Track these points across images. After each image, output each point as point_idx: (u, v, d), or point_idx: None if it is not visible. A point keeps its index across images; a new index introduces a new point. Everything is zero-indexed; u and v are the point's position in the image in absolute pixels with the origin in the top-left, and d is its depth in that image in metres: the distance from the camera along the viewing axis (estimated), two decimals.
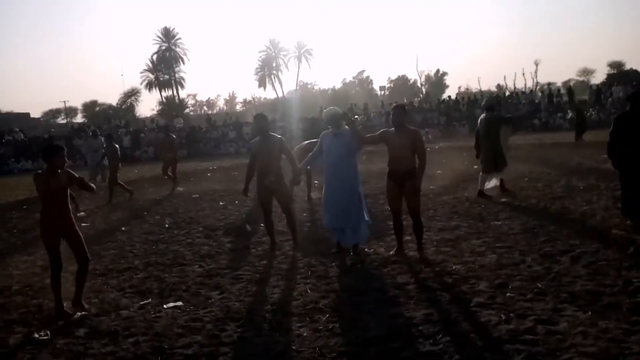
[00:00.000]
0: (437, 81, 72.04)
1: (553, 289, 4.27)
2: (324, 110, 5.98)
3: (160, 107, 62.01)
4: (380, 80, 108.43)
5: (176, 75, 61.49)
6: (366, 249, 5.83)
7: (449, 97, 35.10)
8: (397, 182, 5.45)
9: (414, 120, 26.60)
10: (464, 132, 26.20)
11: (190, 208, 9.74)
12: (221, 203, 10.17)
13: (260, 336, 3.81)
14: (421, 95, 61.16)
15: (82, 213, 9.84)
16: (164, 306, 4.53)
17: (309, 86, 78.93)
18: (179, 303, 4.57)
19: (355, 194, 5.72)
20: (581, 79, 68.05)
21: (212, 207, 9.66)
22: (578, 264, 4.85)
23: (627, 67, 56.08)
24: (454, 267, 5.02)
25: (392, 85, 78.13)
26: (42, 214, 4.49)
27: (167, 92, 61.28)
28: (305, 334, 3.75)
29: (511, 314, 3.86)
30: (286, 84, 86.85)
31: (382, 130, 5.76)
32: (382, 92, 75.23)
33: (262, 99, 74.84)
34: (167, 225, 8.19)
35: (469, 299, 4.20)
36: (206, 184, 13.62)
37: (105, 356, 3.65)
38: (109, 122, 33.43)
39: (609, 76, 52.58)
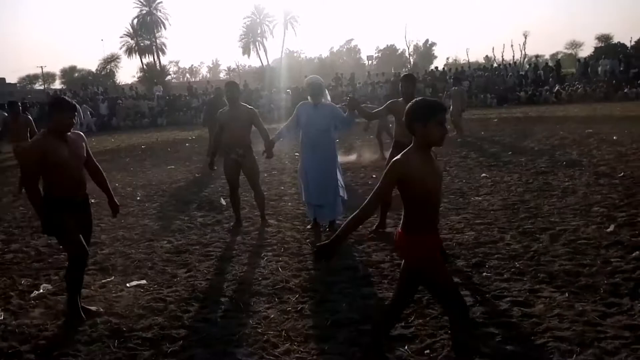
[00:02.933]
0: (426, 51, 71.34)
1: (531, 268, 4.15)
2: (305, 79, 5.65)
3: (140, 74, 60.60)
4: (368, 50, 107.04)
5: (157, 41, 59.72)
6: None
7: (436, 67, 34.62)
8: None
9: (433, 86, 26.35)
10: (447, 102, 25.90)
11: (164, 180, 9.44)
12: (197, 175, 9.89)
13: (225, 318, 3.62)
14: (409, 66, 60.55)
15: None
16: (127, 285, 4.31)
17: (295, 54, 77.59)
18: (143, 281, 4.35)
19: (334, 168, 5.51)
20: (569, 51, 67.90)
21: (187, 179, 9.38)
22: (557, 242, 4.73)
23: (615, 40, 55.90)
24: None
25: (380, 55, 77.13)
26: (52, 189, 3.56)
27: (148, 59, 59.73)
28: (272, 316, 3.57)
29: (487, 295, 3.72)
30: (272, 52, 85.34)
31: (390, 101, 5.41)
32: (370, 61, 74.30)
33: (246, 67, 73.53)
34: (138, 198, 7.91)
35: None
36: (183, 154, 13.25)
37: (58, 339, 3.44)
38: (85, 88, 32.39)
39: (597, 49, 52.46)
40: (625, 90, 23.53)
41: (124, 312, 3.76)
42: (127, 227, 6.24)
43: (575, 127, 13.30)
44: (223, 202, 7.18)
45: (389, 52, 76.33)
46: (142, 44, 59.41)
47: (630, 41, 49.89)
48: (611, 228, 4.99)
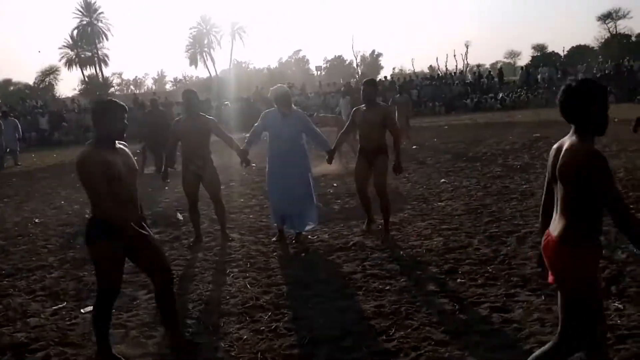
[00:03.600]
0: (373, 62, 72.71)
1: (504, 272, 4.13)
2: (272, 89, 5.43)
3: (82, 87, 58.31)
4: (316, 60, 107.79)
5: (99, 52, 57.76)
6: (309, 236, 5.48)
7: (385, 77, 35.24)
8: (367, 159, 5.37)
9: (383, 95, 26.55)
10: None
11: None
12: (149, 189, 9.43)
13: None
14: (357, 76, 61.41)
15: None
16: (82, 310, 3.95)
17: (244, 65, 77.07)
18: None
19: (305, 177, 5.35)
20: (508, 60, 71.04)
21: (140, 194, 8.90)
22: (525, 245, 4.76)
23: (550, 49, 59.02)
24: (401, 253, 4.78)
25: (328, 65, 77.94)
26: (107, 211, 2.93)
27: (90, 70, 57.60)
28: (245, 337, 3.34)
29: (464, 302, 3.66)
30: (220, 63, 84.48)
31: (352, 111, 5.58)
32: (319, 72, 74.88)
33: (194, 78, 72.31)
34: (87, 216, 7.39)
35: (419, 287, 3.97)
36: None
37: None
38: (23, 102, 30.64)
39: (534, 58, 55.17)
40: None
41: (80, 341, 3.42)
42: (76, 248, 5.79)
43: (523, 132, 13.77)
44: (180, 216, 6.85)
45: (337, 63, 77.23)
46: (82, 56, 57.28)
47: (563, 50, 53.03)
48: None
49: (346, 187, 8.28)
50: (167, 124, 10.19)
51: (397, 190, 7.82)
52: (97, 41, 57.01)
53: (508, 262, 4.34)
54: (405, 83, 30.69)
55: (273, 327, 3.44)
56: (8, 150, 15.10)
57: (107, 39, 57.85)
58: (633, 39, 53.52)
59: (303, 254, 4.95)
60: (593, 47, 54.81)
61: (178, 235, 6.00)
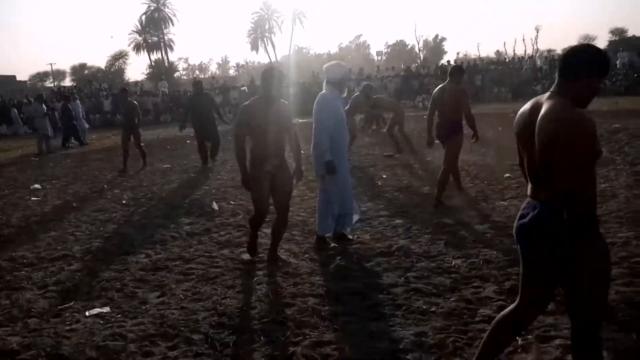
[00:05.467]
0: (436, 46, 70.22)
1: None
2: (325, 65, 4.75)
3: (149, 71, 60.20)
4: (377, 45, 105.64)
5: (165, 38, 59.37)
6: (348, 236, 4.86)
7: (448, 61, 33.57)
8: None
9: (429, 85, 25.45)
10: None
11: (156, 181, 8.69)
12: (192, 174, 9.15)
13: None
14: (419, 61, 59.44)
15: (37, 185, 8.83)
16: (87, 313, 3.57)
17: (304, 50, 76.82)
18: (105, 309, 3.60)
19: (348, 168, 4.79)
20: None
21: (180, 181, 8.62)
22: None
23: (630, 34, 54.45)
24: (453, 263, 4.06)
25: (389, 50, 76.20)
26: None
27: (156, 55, 59.35)
28: None
29: (529, 335, 2.92)
30: (280, 48, 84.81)
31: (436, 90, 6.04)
32: (380, 57, 73.35)
33: (255, 63, 72.92)
34: (124, 202, 7.17)
35: (472, 311, 3.26)
36: (182, 152, 12.50)
37: None
38: (90, 84, 31.82)
39: (611, 43, 51.06)
40: None
41: (72, 353, 3.01)
42: (104, 237, 5.50)
43: (600, 122, 12.31)
44: (215, 206, 6.42)
45: (399, 48, 75.25)
46: (150, 41, 59.13)
47: None
48: None
49: (396, 180, 7.57)
50: (209, 109, 9.84)
51: (453, 185, 7.03)
52: (163, 26, 58.64)
53: None
54: (469, 69, 29.15)
55: (289, 352, 2.87)
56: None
57: (172, 25, 59.41)
58: None
59: (339, 258, 4.34)
60: None
61: (209, 228, 5.56)
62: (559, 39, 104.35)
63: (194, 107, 9.92)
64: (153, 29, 59.01)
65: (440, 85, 6.08)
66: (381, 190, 6.92)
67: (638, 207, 5.25)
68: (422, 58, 62.59)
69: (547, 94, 2.10)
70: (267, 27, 62.22)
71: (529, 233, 2.14)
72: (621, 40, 52.38)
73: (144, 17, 58.40)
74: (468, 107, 5.90)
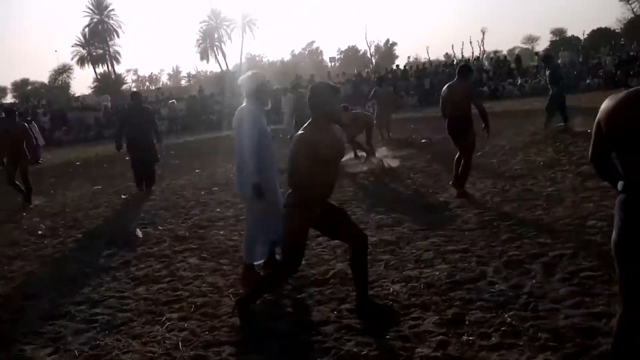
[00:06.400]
0: (387, 51, 71.13)
1: (527, 324, 2.99)
2: (244, 77, 4.21)
3: (95, 84, 58.11)
4: (330, 52, 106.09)
5: (110, 50, 57.44)
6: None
7: (397, 66, 33.74)
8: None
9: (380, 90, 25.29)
10: (412, 102, 25.06)
11: (82, 206, 7.94)
12: (124, 196, 8.46)
13: None
14: (371, 66, 59.83)
15: None
16: None
17: (257, 58, 76.10)
18: None
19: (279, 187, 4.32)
20: (526, 46, 68.59)
21: (109, 204, 7.91)
22: (554, 277, 3.61)
23: (569, 34, 56.83)
24: (391, 290, 3.67)
25: (342, 57, 76.54)
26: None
27: (102, 68, 57.36)
28: None
29: None
30: (232, 57, 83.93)
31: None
32: (332, 63, 73.54)
33: (208, 72, 71.63)
34: (40, 232, 6.45)
35: (410, 350, 2.85)
36: (117, 171, 11.59)
37: None
38: (27, 101, 30.16)
39: (553, 43, 53.10)
40: (587, 81, 23.20)
41: None
42: (7, 277, 4.81)
43: (542, 121, 12.42)
44: (139, 233, 5.82)
45: (351, 53, 75.71)
46: (94, 53, 57.12)
47: (584, 34, 50.81)
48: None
49: (340, 192, 7.18)
50: (148, 127, 8.48)
51: (397, 195, 6.71)
52: (108, 39, 56.70)
53: (533, 306, 3.20)
54: (418, 72, 29.38)
55: None
56: None
57: (118, 36, 57.56)
58: None
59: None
60: (615, 30, 52.40)
61: (129, 260, 4.97)
62: (504, 40, 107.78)
63: (129, 122, 8.54)
64: (97, 41, 57.01)
65: (448, 84, 6.44)
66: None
67: (585, 212, 5.04)
68: (374, 63, 63.15)
69: None
70: (216, 36, 61.28)
71: None
72: (561, 40, 54.58)
73: (87, 30, 56.36)
74: (478, 101, 6.26)
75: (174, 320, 3.50)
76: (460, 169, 6.18)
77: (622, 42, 33.03)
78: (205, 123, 24.15)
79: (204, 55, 63.26)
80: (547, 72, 11.87)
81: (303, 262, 4.37)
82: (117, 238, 5.78)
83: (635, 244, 2.00)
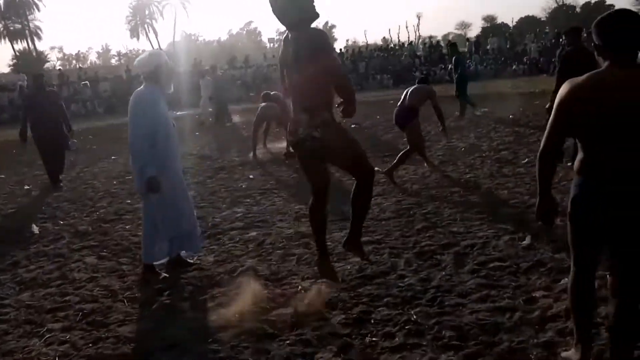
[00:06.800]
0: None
1: (432, 321, 2.90)
2: (140, 59, 3.87)
3: (14, 62, 54.01)
4: (269, 32, 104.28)
5: (30, 24, 53.37)
6: (190, 260, 4.09)
7: (340, 50, 33.46)
8: None
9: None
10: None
11: None
12: (27, 187, 7.76)
13: None
14: None
15: None
16: None
17: (193, 37, 73.47)
18: None
19: (183, 179, 3.99)
20: (459, 32, 70.61)
21: (9, 196, 7.21)
22: (464, 269, 3.56)
23: (499, 21, 59.00)
24: (299, 288, 3.48)
25: (281, 38, 75.47)
26: None
27: (22, 44, 53.31)
28: None
29: None
30: (166, 35, 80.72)
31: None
32: (272, 44, 72.34)
33: (140, 51, 68.37)
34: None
35: (309, 356, 2.68)
36: (28, 158, 10.66)
37: None
38: None
39: (484, 29, 54.93)
40: (514, 67, 24.12)
41: None
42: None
43: (470, 106, 12.71)
44: (35, 229, 5.30)
45: None
46: (12, 28, 52.91)
47: (512, 21, 53.00)
48: (527, 240, 3.94)
49: (263, 180, 6.93)
50: (54, 113, 7.48)
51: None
52: (27, 12, 52.59)
53: (440, 301, 3.12)
54: (354, 56, 29.37)
55: None
56: None
57: (38, 10, 53.72)
58: (578, 9, 54.00)
59: (167, 293, 3.56)
60: (541, 18, 55.02)
61: (18, 260, 4.47)
62: (440, 26, 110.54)
63: (33, 108, 7.55)
64: (14, 15, 52.77)
65: (414, 87, 6.50)
66: (244, 195, 6.21)
67: (498, 198, 5.09)
68: None
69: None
70: (147, 12, 58.58)
71: None
72: (492, 26, 56.62)
73: (2, 2, 51.96)
74: (436, 101, 6.60)
75: (56, 331, 3.13)
76: (398, 156, 6.19)
77: (547, 30, 34.64)
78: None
79: (134, 33, 60.62)
80: (452, 60, 12.15)
81: (211, 258, 4.14)
82: (9, 234, 5.23)
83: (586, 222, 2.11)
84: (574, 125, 2.05)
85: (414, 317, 2.96)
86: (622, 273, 2.13)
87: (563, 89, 2.05)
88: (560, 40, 22.56)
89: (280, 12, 3.09)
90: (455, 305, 3.06)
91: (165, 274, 3.86)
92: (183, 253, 4.03)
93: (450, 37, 56.16)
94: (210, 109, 14.55)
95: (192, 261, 4.07)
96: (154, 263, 3.87)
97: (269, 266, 3.89)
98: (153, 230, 3.79)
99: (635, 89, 1.96)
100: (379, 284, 3.43)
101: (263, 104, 8.65)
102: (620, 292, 2.14)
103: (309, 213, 3.36)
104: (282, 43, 3.26)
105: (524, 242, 3.93)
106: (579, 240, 2.17)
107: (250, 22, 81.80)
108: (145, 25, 58.97)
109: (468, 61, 26.02)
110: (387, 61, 27.31)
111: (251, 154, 8.45)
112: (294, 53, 3.01)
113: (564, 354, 2.43)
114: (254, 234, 4.66)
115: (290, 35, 3.12)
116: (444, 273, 3.50)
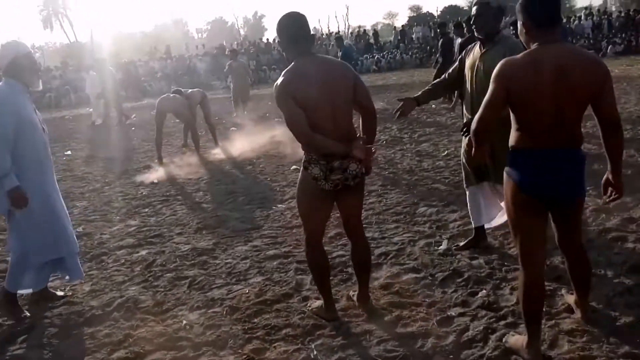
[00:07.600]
0: (256, 23, 69.56)
1: (335, 357, 2.47)
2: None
3: None
4: (197, 23, 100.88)
5: None
6: (60, 292, 3.43)
7: (267, 39, 32.53)
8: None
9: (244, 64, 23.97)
10: (275, 76, 24.39)
11: None
12: None
13: None
14: (240, 38, 57.81)
15: None
16: None
17: (114, 28, 69.60)
18: None
19: (59, 193, 3.31)
20: (387, 21, 71.60)
21: None
22: (374, 283, 3.16)
23: (424, 10, 60.39)
24: (184, 323, 2.93)
25: (210, 28, 73.16)
26: None
27: None
28: None
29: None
30: (85, 27, 76.14)
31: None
32: (200, 34, 70.01)
33: (57, 44, 63.76)
34: None
35: None
36: None
37: None
38: None
39: (410, 19, 55.98)
40: (438, 55, 24.46)
41: None
42: None
43: (395, 96, 12.56)
44: None
45: (219, 25, 72.65)
46: None
47: (437, 10, 54.37)
48: (444, 245, 3.63)
49: (168, 184, 6.26)
50: None
51: (233, 187, 5.97)
52: None
53: (345, 330, 2.70)
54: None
55: None
56: None
57: None
58: None
59: (21, 339, 2.90)
60: (464, 7, 56.78)
61: None
62: (369, 16, 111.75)
63: None
64: None
65: None
66: (142, 204, 5.53)
67: (416, 196, 4.78)
68: (242, 35, 61.22)
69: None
70: (60, 1, 54.68)
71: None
72: (418, 16, 57.82)
73: None
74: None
75: None
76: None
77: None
78: (40, 102, 21.07)
79: (47, 24, 56.40)
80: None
81: (87, 287, 3.51)
82: None
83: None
84: (511, 102, 2.10)
85: (314, 352, 2.52)
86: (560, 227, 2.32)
87: (501, 67, 2.09)
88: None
89: None
90: (362, 333, 2.65)
91: (27, 313, 3.19)
92: (57, 282, 3.36)
93: (379, 27, 56.76)
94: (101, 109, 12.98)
95: (62, 293, 3.41)
96: (19, 292, 3.20)
97: (154, 294, 3.32)
98: (22, 257, 3.11)
99: (566, 64, 2.02)
100: (278, 311, 2.96)
101: (163, 95, 7.69)
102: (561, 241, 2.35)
103: (310, 261, 2.81)
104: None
105: (441, 246, 3.62)
106: (525, 212, 2.18)
107: (174, 12, 78.72)
108: (59, 15, 55.02)
109: (394, 50, 26.24)
110: (315, 51, 26.90)
111: (156, 158, 7.59)
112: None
113: (511, 340, 2.37)
114: (143, 253, 4.05)
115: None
116: (350, 293, 3.08)
